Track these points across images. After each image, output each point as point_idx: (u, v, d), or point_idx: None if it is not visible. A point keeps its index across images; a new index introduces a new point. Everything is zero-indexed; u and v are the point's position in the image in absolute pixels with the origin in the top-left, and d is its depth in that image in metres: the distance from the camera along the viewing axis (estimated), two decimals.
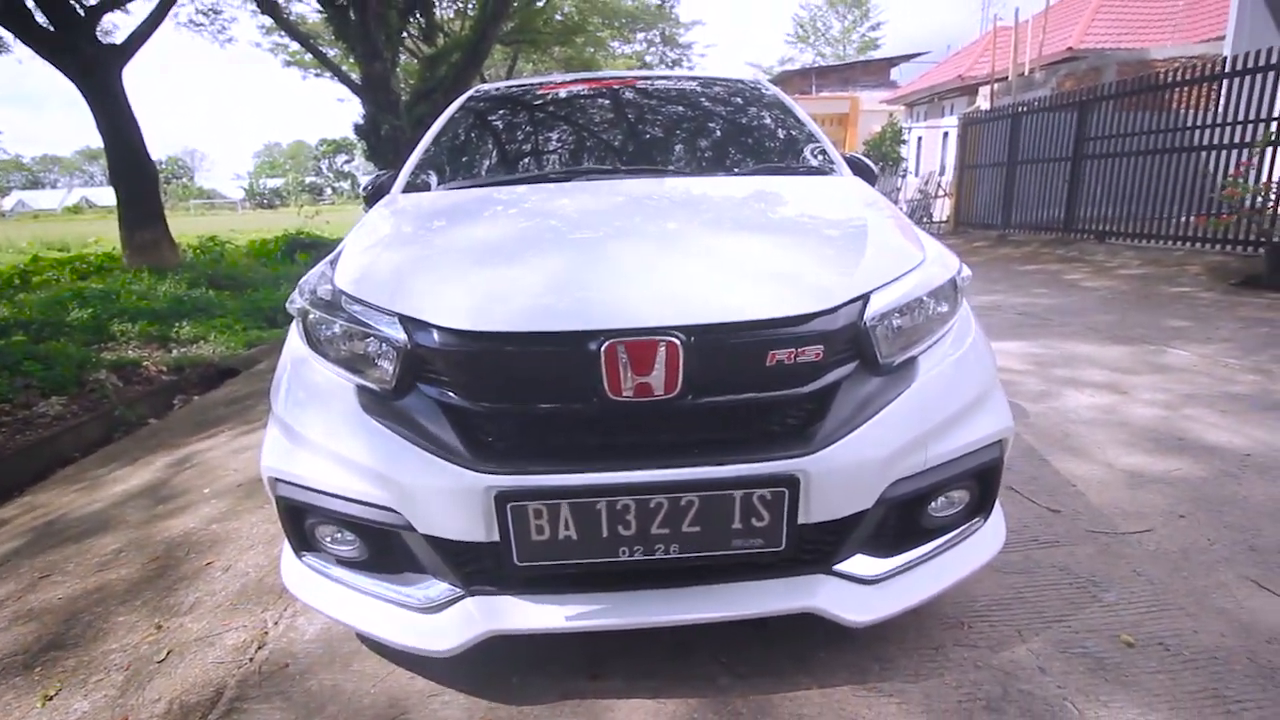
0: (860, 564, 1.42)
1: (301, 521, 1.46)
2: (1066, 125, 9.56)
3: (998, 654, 1.57)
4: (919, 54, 27.52)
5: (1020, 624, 1.67)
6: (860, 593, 1.41)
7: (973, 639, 1.62)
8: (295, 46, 15.26)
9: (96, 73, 7.44)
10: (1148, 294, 6.04)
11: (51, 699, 1.59)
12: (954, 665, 1.54)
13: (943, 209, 13.92)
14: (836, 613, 1.38)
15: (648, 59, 26.35)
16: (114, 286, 6.47)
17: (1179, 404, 3.15)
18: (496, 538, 1.27)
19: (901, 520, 1.45)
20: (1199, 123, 7.58)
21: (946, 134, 16.01)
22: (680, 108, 2.80)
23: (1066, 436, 2.82)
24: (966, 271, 1.59)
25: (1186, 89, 7.78)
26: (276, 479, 1.44)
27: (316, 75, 16.96)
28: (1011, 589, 1.81)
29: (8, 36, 8.12)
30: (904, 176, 15.76)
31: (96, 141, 7.95)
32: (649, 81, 2.94)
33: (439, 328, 1.30)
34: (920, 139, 17.58)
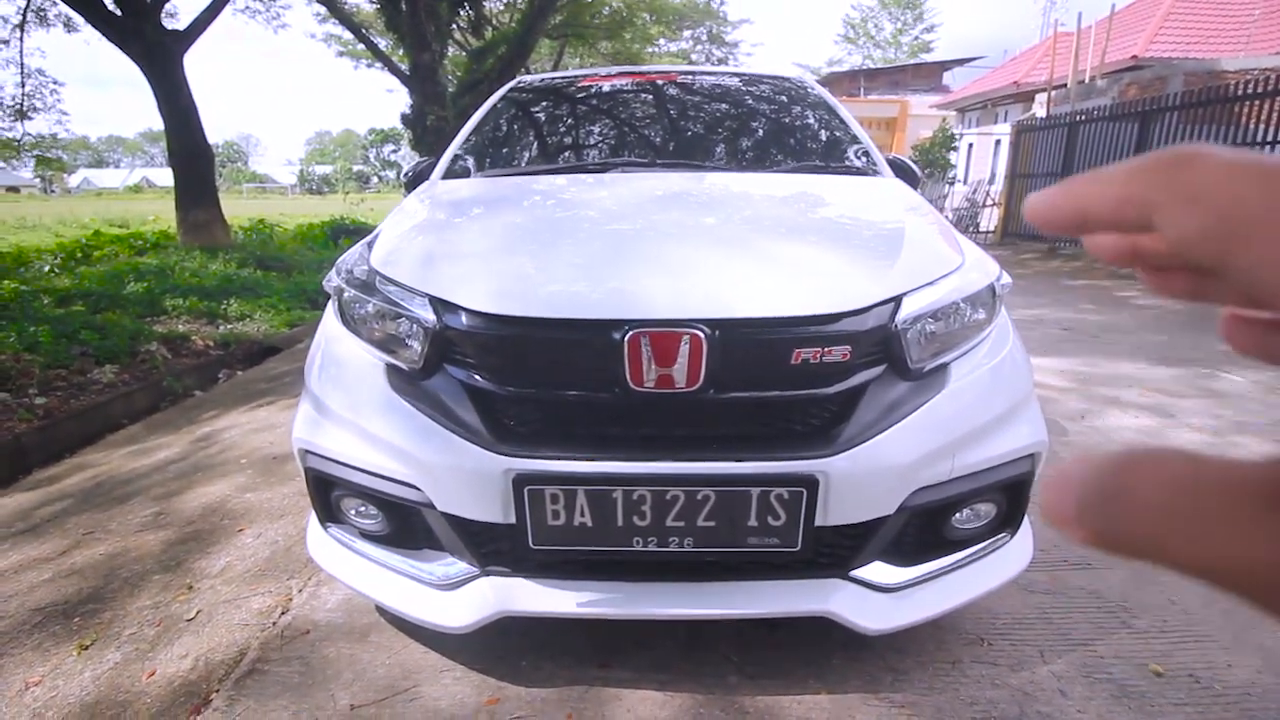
0: (879, 571, 1.40)
1: (328, 493, 1.51)
2: (1127, 136, 9.22)
3: (1017, 673, 1.53)
4: (974, 58, 26.87)
5: (1043, 645, 1.63)
6: (877, 600, 1.38)
7: (992, 656, 1.59)
8: (348, 37, 15.61)
9: (159, 57, 7.72)
10: (1204, 314, 5.79)
11: (87, 649, 1.67)
12: (970, 681, 1.50)
13: (990, 219, 13.56)
14: (851, 619, 1.36)
15: (694, 56, 26.26)
16: (168, 263, 6.72)
17: (1229, 431, 3.01)
18: (513, 520, 1.29)
19: (924, 529, 1.42)
20: (1271, 138, 7.23)
21: (999, 141, 15.59)
22: (721, 103, 2.78)
23: None
24: (1006, 279, 1.55)
25: (1259, 102, 7.43)
26: (306, 450, 1.48)
27: (368, 66, 17.32)
28: (1037, 608, 1.76)
29: (77, 19, 8.47)
30: (951, 184, 15.40)
31: (158, 124, 8.23)
32: (691, 76, 2.93)
33: (467, 310, 1.32)
34: (971, 146, 17.15)
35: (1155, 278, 0.23)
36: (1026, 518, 1.55)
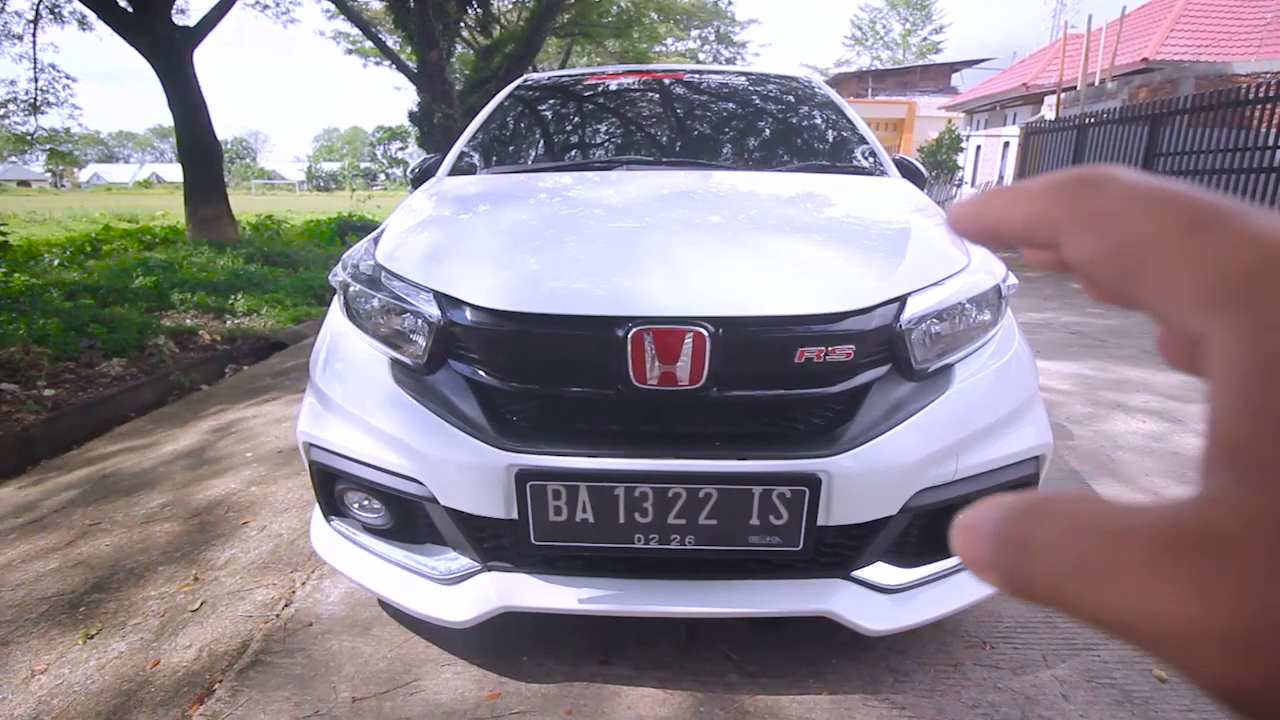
0: (881, 572, 1.39)
1: (332, 486, 1.51)
2: (1136, 139, 9.17)
3: (1020, 677, 1.53)
4: (983, 60, 26.78)
5: (1046, 649, 1.62)
6: (879, 601, 1.38)
7: (995, 660, 1.58)
8: (356, 34, 15.66)
9: (169, 53, 7.76)
10: None
11: (92, 638, 1.68)
12: (972, 684, 1.50)
13: None
14: (852, 619, 1.35)
15: (701, 56, 26.20)
16: (176, 258, 6.76)
17: None
18: (515, 515, 1.29)
19: (927, 530, 1.41)
20: None
21: (1007, 144, 15.53)
22: (728, 102, 2.78)
23: (1111, 461, 2.71)
24: (1012, 280, 1.54)
25: (1270, 105, 7.37)
26: (310, 444, 1.49)
27: (376, 63, 17.36)
28: (1040, 612, 1.75)
29: (90, 15, 8.52)
30: (959, 186, 15.35)
31: (168, 119, 8.28)
32: (698, 75, 2.93)
33: (471, 305, 1.33)
34: (979, 148, 17.08)
35: (1090, 286, 0.22)
36: None
